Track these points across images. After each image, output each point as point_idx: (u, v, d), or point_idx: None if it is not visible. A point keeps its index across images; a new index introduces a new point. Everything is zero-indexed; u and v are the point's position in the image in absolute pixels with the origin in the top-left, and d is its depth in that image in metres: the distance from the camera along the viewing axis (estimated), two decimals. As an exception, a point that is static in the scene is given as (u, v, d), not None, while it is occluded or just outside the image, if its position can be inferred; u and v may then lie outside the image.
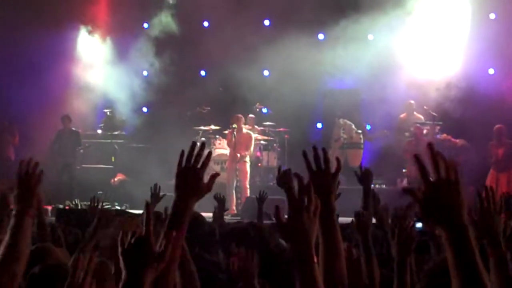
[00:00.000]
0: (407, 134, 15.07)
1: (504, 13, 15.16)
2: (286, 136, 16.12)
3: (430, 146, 2.02)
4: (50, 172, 13.90)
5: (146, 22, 17.48)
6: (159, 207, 6.46)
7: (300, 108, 15.56)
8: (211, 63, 17.01)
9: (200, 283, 3.19)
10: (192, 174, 2.64)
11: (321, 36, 16.79)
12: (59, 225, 6.11)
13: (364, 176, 5.22)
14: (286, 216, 2.28)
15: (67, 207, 13.31)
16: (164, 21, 17.06)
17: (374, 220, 4.72)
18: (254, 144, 14.84)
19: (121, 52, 17.09)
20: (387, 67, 15.05)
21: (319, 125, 17.64)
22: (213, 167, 13.71)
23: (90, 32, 17.36)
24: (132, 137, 16.99)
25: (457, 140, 14.72)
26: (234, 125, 14.14)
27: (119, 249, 2.29)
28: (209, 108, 16.41)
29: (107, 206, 5.15)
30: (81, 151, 15.85)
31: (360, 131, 15.67)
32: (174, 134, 14.60)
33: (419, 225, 4.40)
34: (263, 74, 17.06)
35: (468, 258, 1.94)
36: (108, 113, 16.80)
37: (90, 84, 16.85)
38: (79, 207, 13.79)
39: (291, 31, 15.12)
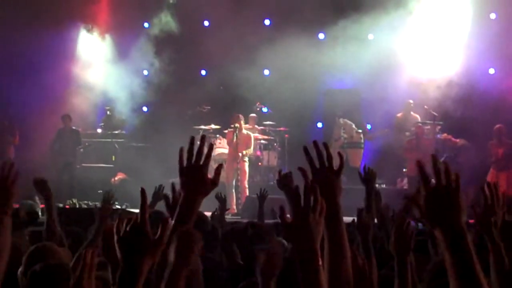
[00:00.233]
0: (407, 133, 15.07)
1: (504, 13, 15.17)
2: (286, 135, 16.11)
3: (433, 157, 2.09)
4: (51, 171, 13.91)
5: (147, 22, 17.48)
6: (158, 207, 6.49)
7: (300, 107, 15.57)
8: (211, 62, 16.99)
9: (202, 280, 3.19)
10: (196, 172, 2.63)
11: (321, 36, 16.78)
12: (60, 224, 6.10)
13: (369, 176, 5.19)
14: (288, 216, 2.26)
15: (67, 206, 13.33)
16: (164, 20, 17.06)
17: (375, 220, 4.71)
18: (254, 144, 14.85)
19: (122, 51, 17.09)
20: (387, 66, 15.05)
21: (319, 125, 17.65)
22: (213, 167, 13.68)
23: (90, 31, 17.36)
24: (132, 136, 16.99)
25: (458, 140, 14.73)
26: (236, 125, 14.13)
27: (115, 237, 2.27)
28: (209, 107, 16.41)
29: (117, 206, 5.18)
30: (81, 150, 15.85)
31: (360, 131, 15.67)
32: (174, 134, 14.59)
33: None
34: (263, 73, 17.06)
35: (465, 260, 1.97)
36: (108, 112, 16.79)
37: (90, 83, 16.85)
38: (77, 206, 13.82)
39: (292, 31, 15.11)
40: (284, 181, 4.53)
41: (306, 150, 2.57)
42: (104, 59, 17.13)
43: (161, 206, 6.49)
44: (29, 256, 3.90)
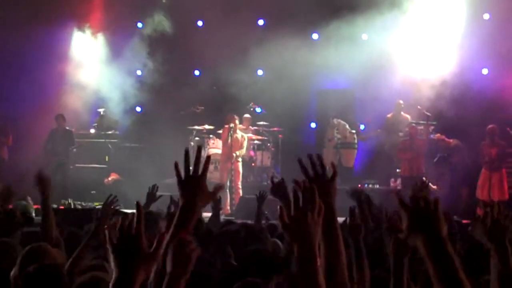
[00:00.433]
0: (401, 134, 15.09)
1: (498, 13, 15.19)
2: (280, 135, 16.12)
3: (397, 194, 2.27)
4: (44, 171, 13.85)
5: (140, 21, 17.45)
6: (153, 207, 6.49)
7: (294, 108, 15.57)
8: (204, 62, 16.97)
9: (196, 282, 3.19)
10: (195, 184, 2.62)
11: (315, 36, 16.79)
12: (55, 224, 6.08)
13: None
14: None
15: (61, 207, 13.30)
16: (158, 20, 17.03)
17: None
18: (247, 144, 14.84)
19: (115, 51, 17.04)
20: (381, 66, 15.06)
21: (313, 125, 17.66)
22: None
23: (83, 31, 17.30)
24: (125, 137, 16.96)
25: (451, 140, 14.77)
26: (232, 124, 14.12)
27: (109, 246, 2.26)
28: (202, 107, 16.40)
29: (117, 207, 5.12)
30: (74, 150, 15.79)
31: (354, 131, 15.69)
32: (167, 134, 14.59)
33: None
34: (257, 73, 17.07)
35: (447, 267, 2.02)
36: (101, 112, 16.75)
37: (84, 83, 16.79)
38: (72, 207, 13.80)
39: (285, 31, 15.11)
40: (278, 188, 4.54)
41: (300, 162, 2.71)
42: (98, 59, 17.08)
43: (156, 206, 6.50)
44: (24, 257, 3.89)
